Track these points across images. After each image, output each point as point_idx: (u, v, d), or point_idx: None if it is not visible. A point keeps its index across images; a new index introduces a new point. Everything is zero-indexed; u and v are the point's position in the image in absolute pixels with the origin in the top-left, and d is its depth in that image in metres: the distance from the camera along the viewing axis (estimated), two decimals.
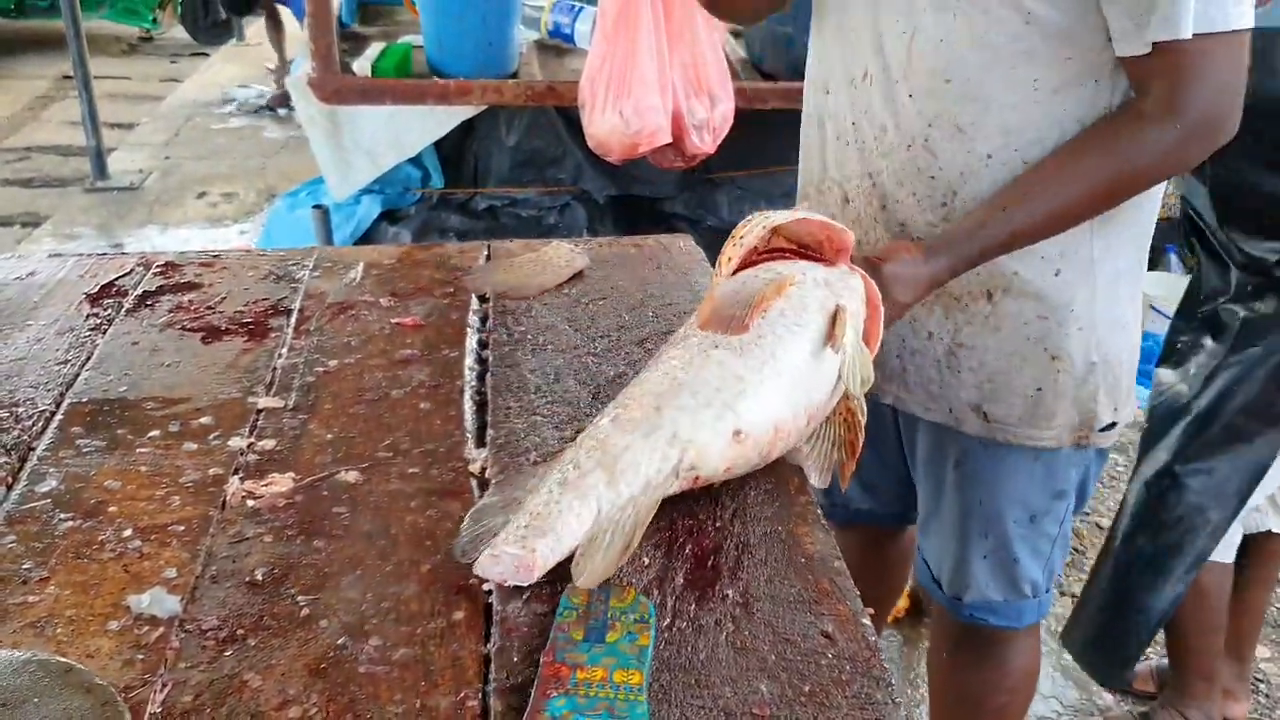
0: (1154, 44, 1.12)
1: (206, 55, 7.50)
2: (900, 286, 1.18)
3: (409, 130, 3.10)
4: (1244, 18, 1.13)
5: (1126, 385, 1.37)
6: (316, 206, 3.17)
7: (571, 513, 0.95)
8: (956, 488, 1.42)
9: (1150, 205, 1.31)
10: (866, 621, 0.92)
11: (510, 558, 0.92)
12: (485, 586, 0.94)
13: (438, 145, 3.20)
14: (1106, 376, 1.33)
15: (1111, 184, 1.19)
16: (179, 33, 7.68)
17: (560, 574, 0.93)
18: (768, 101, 2.84)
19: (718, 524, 1.03)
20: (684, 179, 3.22)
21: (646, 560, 0.98)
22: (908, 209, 1.29)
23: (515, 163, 3.18)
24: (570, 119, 3.11)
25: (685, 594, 0.94)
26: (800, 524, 1.04)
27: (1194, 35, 1.10)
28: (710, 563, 0.98)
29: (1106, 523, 2.90)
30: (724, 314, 1.06)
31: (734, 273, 1.11)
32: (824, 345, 1.05)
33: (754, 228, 1.11)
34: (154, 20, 7.64)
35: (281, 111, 6.08)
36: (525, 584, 0.93)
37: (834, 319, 1.07)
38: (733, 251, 1.10)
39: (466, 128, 3.17)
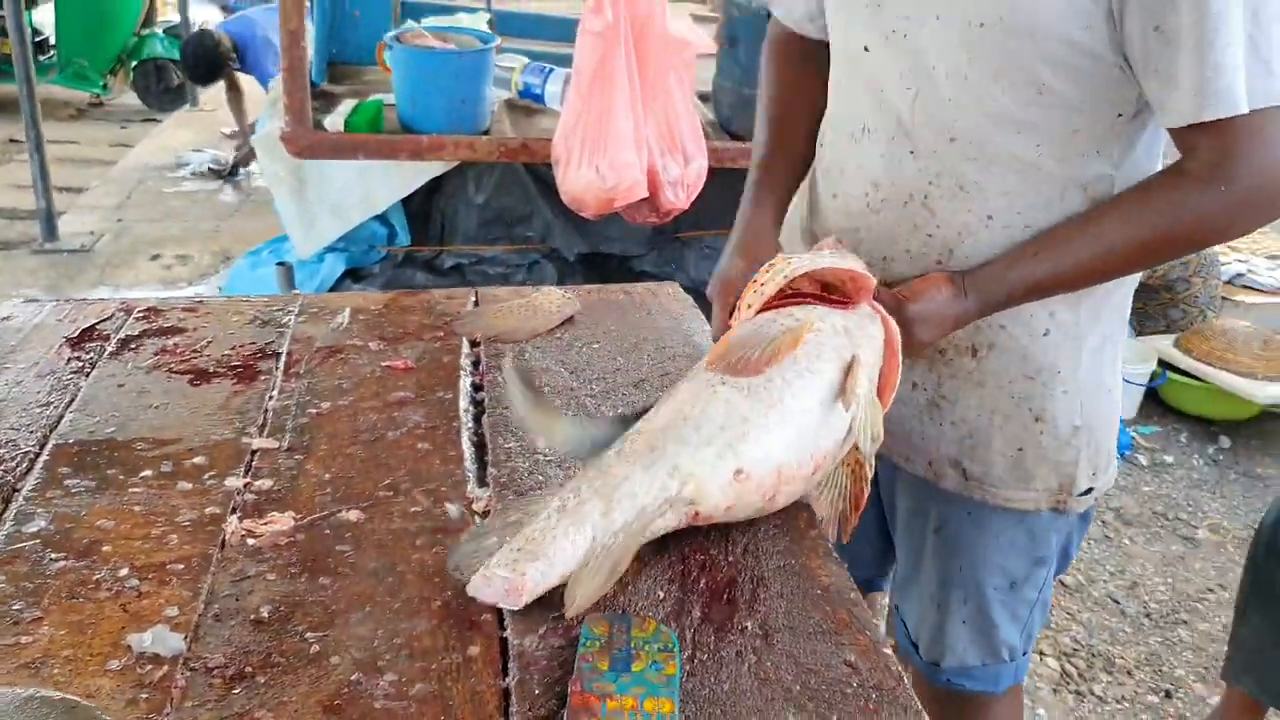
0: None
1: (158, 121, 7.43)
2: (924, 326, 1.16)
3: (377, 187, 3.10)
4: None
5: (1107, 450, 1.36)
6: (280, 263, 3.15)
7: (566, 539, 0.94)
8: (935, 554, 1.41)
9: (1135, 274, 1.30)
10: (889, 651, 0.91)
11: (501, 580, 0.92)
12: (499, 620, 0.92)
13: (405, 203, 3.21)
14: (1089, 441, 1.32)
15: (1146, 243, 1.16)
16: (130, 99, 7.63)
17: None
18: (737, 161, 2.88)
19: (730, 558, 1.02)
20: (653, 237, 3.26)
21: (661, 594, 0.96)
22: (899, 266, 1.27)
23: (483, 220, 3.19)
24: (539, 177, 3.14)
25: (703, 627, 0.93)
26: (813, 557, 1.03)
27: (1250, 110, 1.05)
28: (726, 596, 0.97)
29: (1071, 581, 2.92)
30: (734, 358, 1.05)
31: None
32: (835, 396, 1.04)
33: (775, 275, 1.10)
34: (104, 86, 7.58)
35: (240, 175, 6.05)
36: (515, 607, 0.92)
37: (848, 371, 1.05)
38: (753, 298, 1.10)
39: (434, 185, 3.18)
